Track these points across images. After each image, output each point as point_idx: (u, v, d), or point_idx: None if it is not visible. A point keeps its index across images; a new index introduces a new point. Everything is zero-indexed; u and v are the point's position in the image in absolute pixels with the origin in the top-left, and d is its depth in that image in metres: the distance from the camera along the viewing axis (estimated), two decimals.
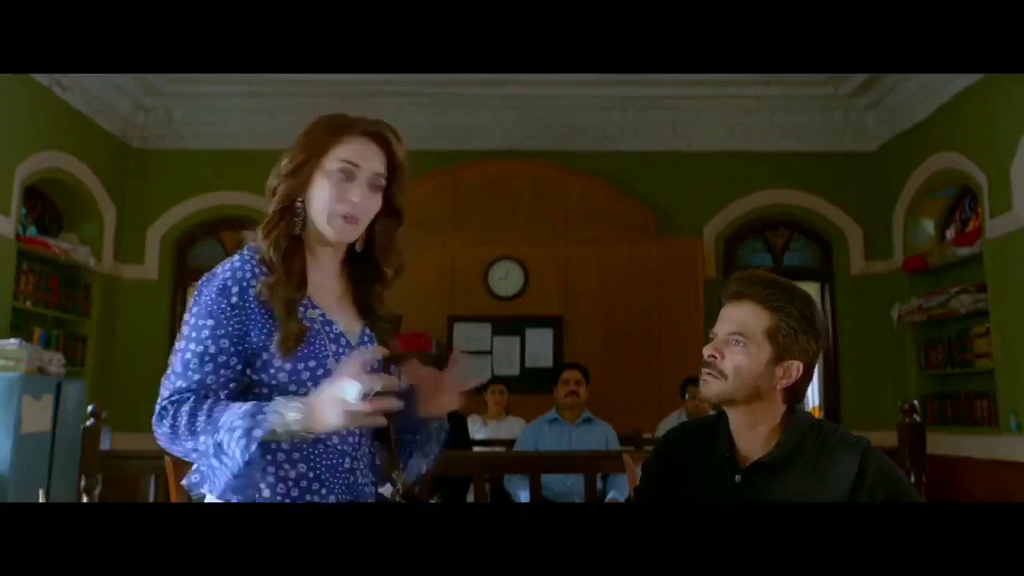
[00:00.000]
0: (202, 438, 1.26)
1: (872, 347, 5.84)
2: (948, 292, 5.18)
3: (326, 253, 1.46)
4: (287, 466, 1.35)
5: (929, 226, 5.72)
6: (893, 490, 1.49)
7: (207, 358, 1.32)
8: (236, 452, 1.22)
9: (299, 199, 1.42)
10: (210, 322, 1.34)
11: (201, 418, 1.27)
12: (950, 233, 5.55)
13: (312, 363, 1.37)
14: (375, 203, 1.44)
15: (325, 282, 1.47)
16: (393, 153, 1.46)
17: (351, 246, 1.48)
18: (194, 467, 1.33)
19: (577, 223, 5.70)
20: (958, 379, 5.27)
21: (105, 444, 3.11)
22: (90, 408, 3.12)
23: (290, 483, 1.34)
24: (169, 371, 1.34)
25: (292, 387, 1.35)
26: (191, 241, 6.10)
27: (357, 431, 1.41)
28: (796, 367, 1.56)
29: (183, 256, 6.08)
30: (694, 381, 3.01)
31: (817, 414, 6.49)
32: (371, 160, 1.43)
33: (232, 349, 1.34)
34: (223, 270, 1.39)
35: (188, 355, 1.33)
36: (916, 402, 3.31)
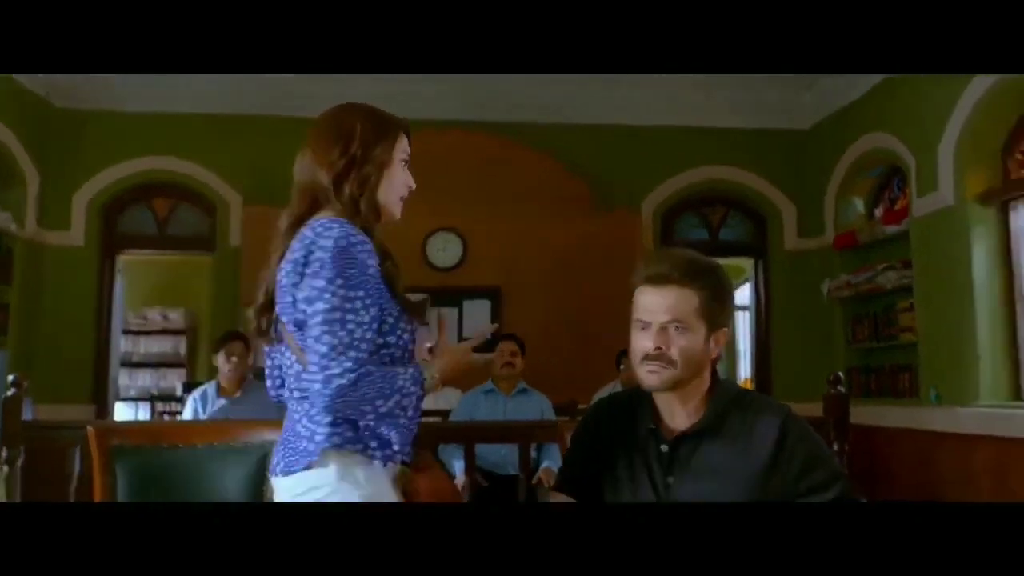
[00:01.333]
0: (379, 400, 1.48)
1: (803, 321, 5.99)
2: (875, 268, 5.33)
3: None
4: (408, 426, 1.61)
5: (859, 204, 5.86)
6: (811, 453, 1.56)
7: (366, 328, 1.49)
8: (412, 410, 1.57)
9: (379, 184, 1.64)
10: (360, 293, 1.49)
11: (378, 384, 1.48)
12: (879, 211, 5.70)
13: (414, 325, 1.64)
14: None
15: None
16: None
17: None
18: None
19: (517, 195, 5.69)
20: (883, 352, 5.45)
21: (27, 415, 3.02)
22: (11, 378, 3.02)
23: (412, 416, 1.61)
24: (328, 341, 1.46)
25: (412, 346, 1.62)
26: (120, 207, 5.89)
27: None
28: (724, 335, 1.61)
29: (111, 223, 5.88)
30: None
31: (749, 386, 6.65)
32: (407, 146, 1.74)
33: (377, 317, 1.53)
34: (355, 241, 1.51)
35: (352, 327, 1.47)
36: (841, 374, 3.41)
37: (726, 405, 1.61)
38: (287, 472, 1.55)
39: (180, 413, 4.74)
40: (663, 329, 1.57)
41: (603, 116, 5.91)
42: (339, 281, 1.47)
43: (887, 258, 5.30)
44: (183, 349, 8.23)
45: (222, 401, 4.17)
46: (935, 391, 4.72)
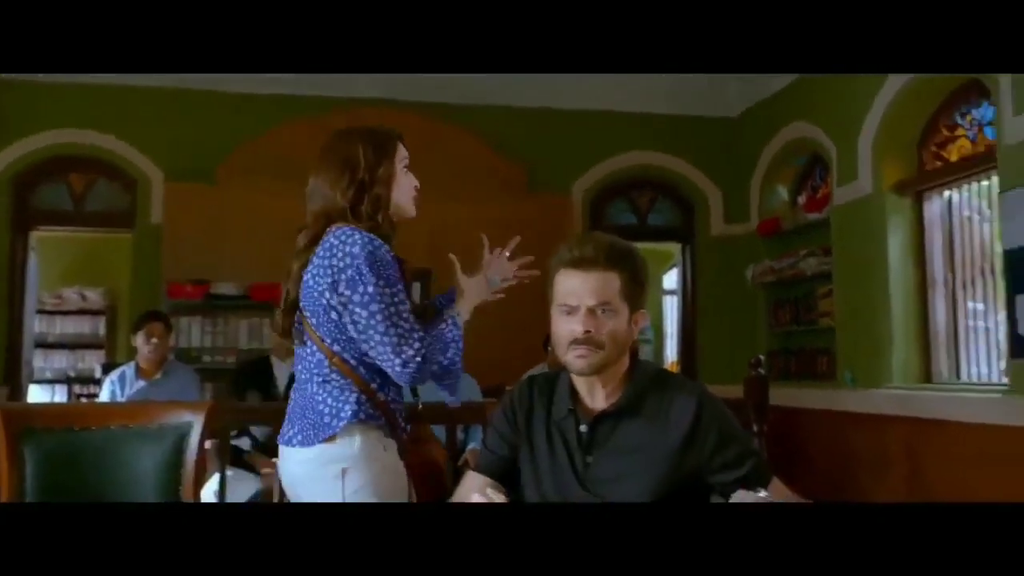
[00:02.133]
0: (440, 356, 1.83)
1: (728, 305, 6.11)
2: (797, 255, 5.48)
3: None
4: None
5: (783, 192, 6.00)
6: (724, 431, 1.60)
7: (407, 312, 1.78)
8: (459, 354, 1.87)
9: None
10: (399, 287, 1.79)
11: (437, 344, 1.83)
12: (802, 199, 5.85)
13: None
14: None
15: None
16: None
17: None
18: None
19: (447, 176, 5.63)
20: (802, 336, 5.61)
21: None
22: None
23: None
24: (395, 332, 1.75)
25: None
26: (33, 182, 5.62)
27: None
28: (643, 316, 1.63)
29: (24, 198, 5.62)
30: None
31: (675, 369, 6.77)
32: (406, 156, 1.98)
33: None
34: (378, 245, 1.80)
35: (405, 314, 1.77)
36: (762, 357, 3.50)
37: (644, 385, 1.63)
38: (306, 444, 1.82)
39: (98, 396, 4.60)
40: (591, 312, 1.57)
41: (535, 99, 5.90)
42: (381, 283, 1.76)
43: (808, 245, 5.44)
44: (102, 330, 7.97)
45: (141, 383, 4.06)
46: (850, 374, 4.88)
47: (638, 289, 1.62)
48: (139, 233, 5.65)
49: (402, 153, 1.96)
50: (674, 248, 6.73)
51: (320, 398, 1.84)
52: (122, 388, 4.05)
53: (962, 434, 3.96)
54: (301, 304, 1.89)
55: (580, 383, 1.64)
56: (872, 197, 4.76)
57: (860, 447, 4.76)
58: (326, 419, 1.81)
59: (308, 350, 1.89)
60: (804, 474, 5.07)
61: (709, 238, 6.27)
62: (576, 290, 1.58)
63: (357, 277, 1.75)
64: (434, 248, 5.62)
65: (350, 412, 1.80)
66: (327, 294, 1.80)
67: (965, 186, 4.44)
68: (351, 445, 1.79)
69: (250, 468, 3.89)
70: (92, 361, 7.70)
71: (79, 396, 6.90)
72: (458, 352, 1.86)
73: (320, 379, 1.85)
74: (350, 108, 5.42)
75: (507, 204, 5.64)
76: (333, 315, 1.82)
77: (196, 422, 2.03)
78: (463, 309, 1.96)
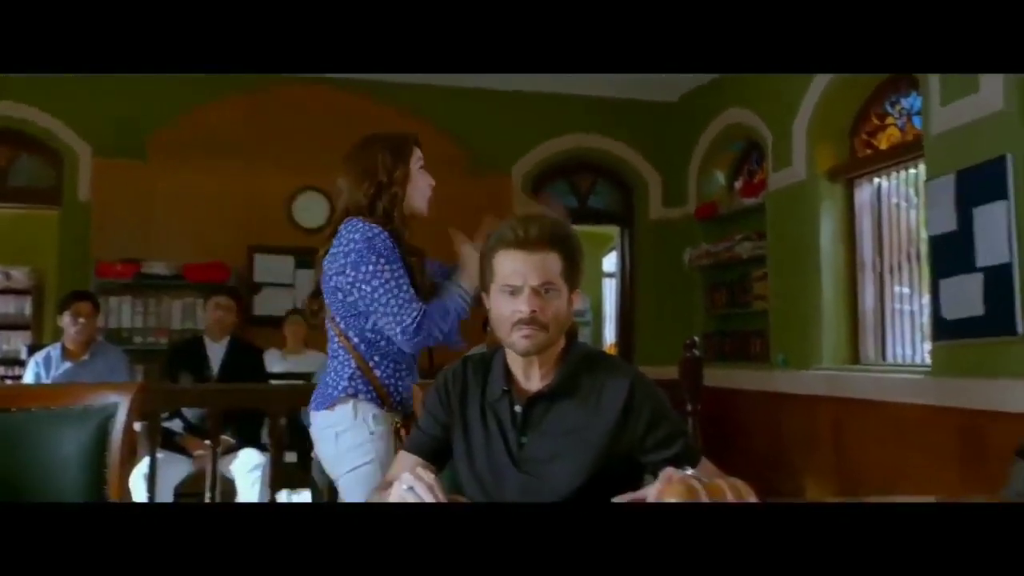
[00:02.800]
0: (442, 324, 2.05)
1: (665, 288, 6.19)
2: (733, 239, 5.57)
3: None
4: (406, 379, 2.17)
5: (720, 177, 6.09)
6: (656, 411, 1.61)
7: (407, 285, 2.02)
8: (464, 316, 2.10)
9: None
10: (396, 264, 2.02)
11: (437, 313, 2.04)
12: (738, 184, 5.94)
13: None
14: None
15: None
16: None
17: None
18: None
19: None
20: (737, 319, 5.72)
21: None
22: None
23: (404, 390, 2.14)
24: (395, 303, 2.00)
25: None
26: None
27: None
28: (579, 295, 1.64)
29: None
30: None
31: (613, 351, 6.84)
32: (422, 158, 2.23)
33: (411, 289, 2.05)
34: (376, 232, 2.04)
35: (404, 287, 2.02)
36: (697, 339, 3.56)
37: (578, 366, 1.64)
38: (316, 408, 2.14)
39: (23, 378, 4.45)
40: (536, 293, 1.56)
41: (476, 80, 5.87)
42: (381, 261, 1.99)
43: (744, 229, 5.54)
44: (28, 310, 7.71)
45: (67, 365, 3.94)
46: (782, 355, 4.99)
47: (576, 269, 1.62)
48: (66, 210, 5.47)
49: (417, 155, 2.20)
50: (613, 231, 6.79)
51: (330, 370, 2.15)
52: (47, 370, 3.93)
53: (887, 413, 4.09)
54: (321, 288, 2.14)
55: (516, 364, 1.64)
56: (805, 183, 4.87)
57: (791, 426, 4.89)
58: (329, 389, 2.11)
59: (328, 329, 2.18)
60: (737, 452, 5.18)
61: (648, 221, 6.33)
62: (520, 270, 1.56)
63: (359, 259, 2.00)
64: None
65: (345, 384, 2.08)
66: (336, 278, 2.06)
67: (894, 174, 4.56)
68: (344, 412, 2.08)
69: (182, 451, 3.82)
70: (18, 342, 7.44)
71: (3, 378, 6.68)
72: (457, 319, 2.07)
73: (331, 354, 2.16)
74: (285, 84, 5.31)
75: (447, 184, 5.54)
76: (340, 296, 2.08)
77: (122, 403, 1.97)
78: (464, 279, 2.12)
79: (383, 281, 2.00)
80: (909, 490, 3.78)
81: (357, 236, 2.02)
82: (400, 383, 2.14)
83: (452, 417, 1.66)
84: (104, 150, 5.35)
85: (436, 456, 1.66)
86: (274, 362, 4.74)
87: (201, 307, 4.06)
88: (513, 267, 1.57)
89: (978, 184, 3.55)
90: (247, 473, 3.75)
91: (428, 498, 1.35)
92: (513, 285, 1.57)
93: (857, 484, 4.30)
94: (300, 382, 4.28)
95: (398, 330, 2.00)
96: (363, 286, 2.02)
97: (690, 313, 6.02)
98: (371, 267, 2.00)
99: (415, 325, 2.00)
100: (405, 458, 1.66)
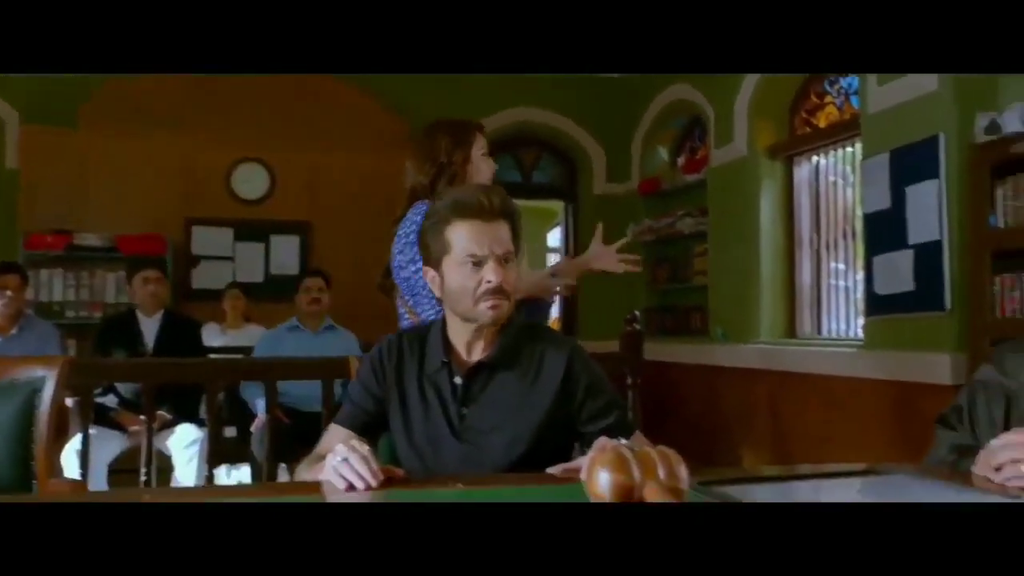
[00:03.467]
0: None
1: None
2: (675, 215, 5.63)
3: None
4: None
5: (663, 152, 6.13)
6: (593, 382, 1.64)
7: None
8: None
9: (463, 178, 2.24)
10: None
11: None
12: (681, 160, 5.99)
13: None
14: None
15: None
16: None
17: None
18: None
19: (328, 128, 5.50)
20: (678, 294, 5.79)
21: None
22: None
23: None
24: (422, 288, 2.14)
25: None
26: None
27: None
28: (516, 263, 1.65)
29: None
30: None
31: (556, 326, 6.87)
32: (486, 144, 2.34)
33: None
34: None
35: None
36: (637, 313, 3.59)
37: (517, 337, 1.65)
38: None
39: None
40: (499, 262, 1.56)
41: None
42: (413, 248, 2.08)
43: (686, 205, 5.60)
44: None
45: None
46: (721, 330, 5.08)
47: (520, 239, 1.64)
48: None
49: (480, 143, 2.30)
50: (557, 206, 6.80)
51: None
52: None
53: (821, 385, 4.20)
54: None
55: (459, 336, 1.64)
56: (746, 160, 4.93)
57: (729, 398, 4.99)
58: None
59: (399, 307, 2.39)
60: (677, 424, 5.28)
61: (592, 196, 6.35)
62: (484, 240, 1.56)
63: (415, 240, 2.04)
64: (313, 200, 5.52)
65: None
66: (398, 256, 2.26)
67: (831, 152, 4.65)
68: None
69: (116, 426, 3.74)
70: None
71: None
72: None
73: (401, 325, 2.34)
74: None
75: (390, 158, 5.54)
76: (402, 274, 2.26)
77: (49, 377, 1.92)
78: (552, 274, 2.34)
79: (412, 267, 2.13)
80: (841, 458, 3.89)
81: (418, 218, 2.09)
82: None
83: (387, 390, 1.65)
84: (33, 116, 5.16)
85: (368, 429, 1.65)
86: (213, 337, 4.66)
87: (139, 280, 3.94)
88: (477, 238, 1.56)
89: (911, 163, 3.63)
90: (184, 449, 3.69)
91: (362, 469, 1.34)
92: (476, 255, 1.56)
93: (792, 453, 4.41)
94: (239, 356, 4.21)
95: (432, 314, 2.11)
96: (411, 266, 2.17)
97: (632, 288, 6.07)
98: (416, 249, 2.05)
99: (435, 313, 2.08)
100: (336, 431, 1.64)
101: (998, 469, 1.38)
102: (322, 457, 1.46)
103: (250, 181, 5.42)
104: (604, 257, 2.43)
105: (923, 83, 3.59)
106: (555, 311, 8.09)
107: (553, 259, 8.75)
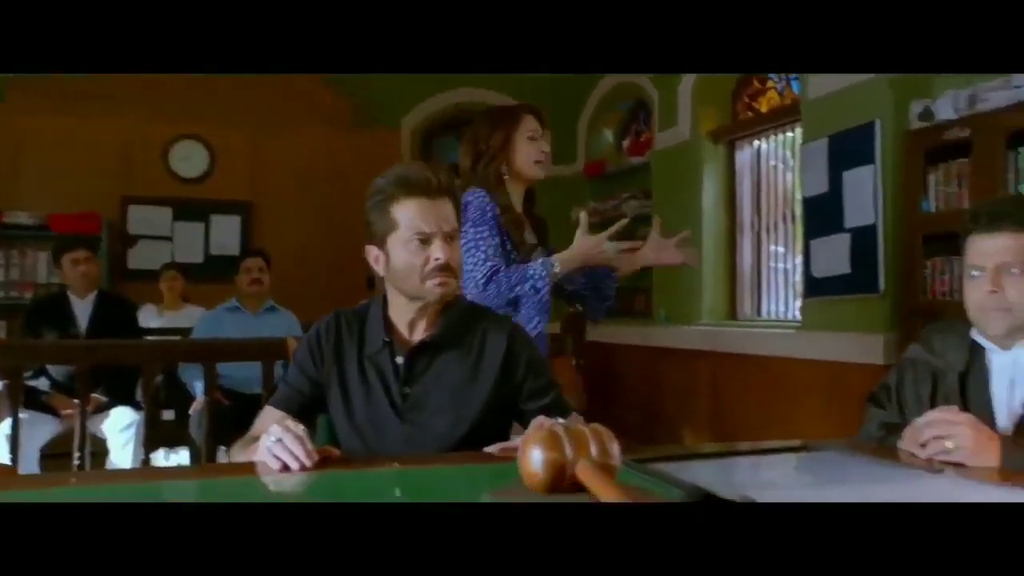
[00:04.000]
0: (516, 287, 2.12)
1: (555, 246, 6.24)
2: (620, 197, 5.66)
3: (517, 194, 2.29)
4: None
5: (609, 135, 6.15)
6: (532, 362, 1.66)
7: (493, 249, 2.13)
8: (544, 292, 2.13)
9: (503, 162, 2.24)
10: (483, 229, 2.14)
11: (512, 277, 2.13)
12: (626, 143, 6.02)
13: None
14: (548, 147, 2.31)
15: (519, 206, 2.30)
16: (539, 116, 2.30)
17: (532, 189, 2.34)
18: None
19: (271, 106, 5.39)
20: (622, 276, 5.82)
21: None
22: None
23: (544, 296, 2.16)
24: (471, 261, 2.11)
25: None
26: None
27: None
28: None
29: None
30: None
31: None
32: (539, 126, 2.28)
33: (498, 244, 2.15)
34: (472, 199, 2.15)
35: (483, 247, 2.13)
36: None
37: (459, 317, 1.65)
38: None
39: None
40: (447, 239, 1.56)
41: None
42: (467, 224, 2.11)
43: (631, 188, 5.63)
44: None
45: None
46: (664, 312, 5.14)
47: (460, 219, 1.64)
48: None
49: (528, 125, 2.26)
50: None
51: None
52: None
53: (760, 365, 4.28)
54: None
55: (401, 315, 1.62)
56: (690, 143, 4.98)
57: (671, 379, 5.06)
58: None
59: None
60: (619, 404, 5.34)
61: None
62: (431, 218, 1.54)
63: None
64: (255, 178, 5.42)
65: None
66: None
67: (772, 136, 4.72)
68: None
69: (49, 410, 3.63)
70: None
71: None
72: (534, 289, 2.12)
73: None
74: None
75: (334, 136, 5.48)
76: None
77: None
78: (560, 259, 2.17)
79: (465, 241, 2.11)
80: (779, 436, 3.98)
81: (462, 202, 2.14)
82: (530, 303, 2.21)
83: (325, 372, 1.64)
84: None
85: (304, 411, 1.63)
86: (150, 318, 4.55)
87: (68, 261, 3.82)
88: (424, 215, 1.55)
89: (848, 149, 3.71)
90: (119, 432, 3.61)
91: (296, 449, 1.33)
92: (425, 232, 1.55)
93: (732, 431, 4.50)
94: (177, 338, 4.13)
95: (470, 285, 2.12)
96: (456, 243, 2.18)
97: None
98: (466, 226, 2.13)
99: (484, 279, 2.10)
100: (271, 413, 1.61)
101: (923, 445, 1.43)
102: (256, 439, 1.44)
103: (189, 159, 5.29)
104: (664, 251, 2.45)
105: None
106: None
107: None
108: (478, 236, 2.14)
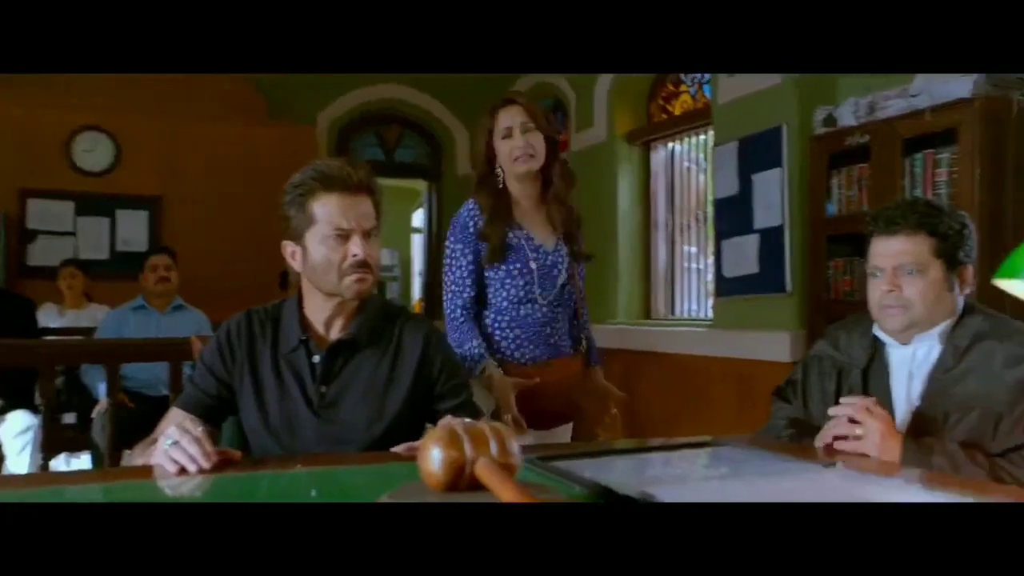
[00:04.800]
0: (455, 346, 2.05)
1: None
2: None
3: (522, 187, 2.19)
4: (507, 331, 2.17)
5: None
6: (447, 361, 1.67)
7: (464, 272, 2.14)
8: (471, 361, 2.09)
9: (497, 164, 2.17)
10: (456, 245, 2.15)
11: (455, 334, 2.13)
12: None
13: (518, 265, 2.16)
14: (537, 141, 2.14)
15: (528, 209, 2.21)
16: (528, 107, 2.15)
17: (548, 176, 2.22)
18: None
19: (179, 96, 5.23)
20: None
21: None
22: None
23: (509, 342, 2.17)
24: (446, 284, 2.16)
25: (508, 281, 2.16)
26: None
27: (552, 308, 2.24)
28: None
29: None
30: None
31: (419, 308, 6.85)
32: (516, 116, 2.14)
33: (473, 263, 2.15)
34: (461, 213, 2.15)
35: (455, 269, 2.15)
36: None
37: (377, 315, 1.64)
38: None
39: None
40: (366, 236, 1.54)
41: None
42: (448, 240, 2.17)
43: None
44: None
45: None
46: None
47: (381, 215, 1.62)
48: None
49: (501, 123, 2.14)
50: (421, 185, 6.75)
51: None
52: None
53: (674, 363, 4.37)
54: None
55: (318, 314, 1.60)
56: (605, 144, 5.04)
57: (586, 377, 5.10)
58: None
59: None
60: None
61: (455, 176, 6.34)
62: (349, 214, 1.53)
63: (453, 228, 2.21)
64: (164, 172, 5.25)
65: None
66: None
67: (686, 139, 4.82)
68: None
69: None
70: None
71: None
72: (464, 361, 2.04)
73: None
74: None
75: (248, 130, 5.35)
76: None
77: None
78: (491, 374, 2.07)
79: (444, 258, 2.19)
80: (691, 432, 4.07)
81: (461, 212, 2.18)
82: (517, 350, 2.18)
83: (237, 373, 1.60)
84: None
85: (211, 413, 1.59)
86: (51, 317, 4.37)
87: None
88: (343, 211, 1.53)
89: (757, 152, 3.82)
90: (14, 437, 3.47)
91: (193, 451, 1.29)
92: (344, 229, 1.53)
93: (646, 429, 4.57)
94: (79, 338, 3.97)
95: (447, 310, 2.17)
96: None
97: None
98: (447, 244, 2.19)
99: (452, 321, 2.15)
100: (176, 416, 1.57)
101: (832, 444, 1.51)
102: (155, 441, 1.40)
103: (93, 151, 5.10)
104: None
105: (769, 76, 3.76)
106: (417, 292, 8.04)
107: (417, 239, 8.70)
108: (452, 254, 2.16)
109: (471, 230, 2.14)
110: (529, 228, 2.21)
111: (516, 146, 2.14)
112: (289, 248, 1.60)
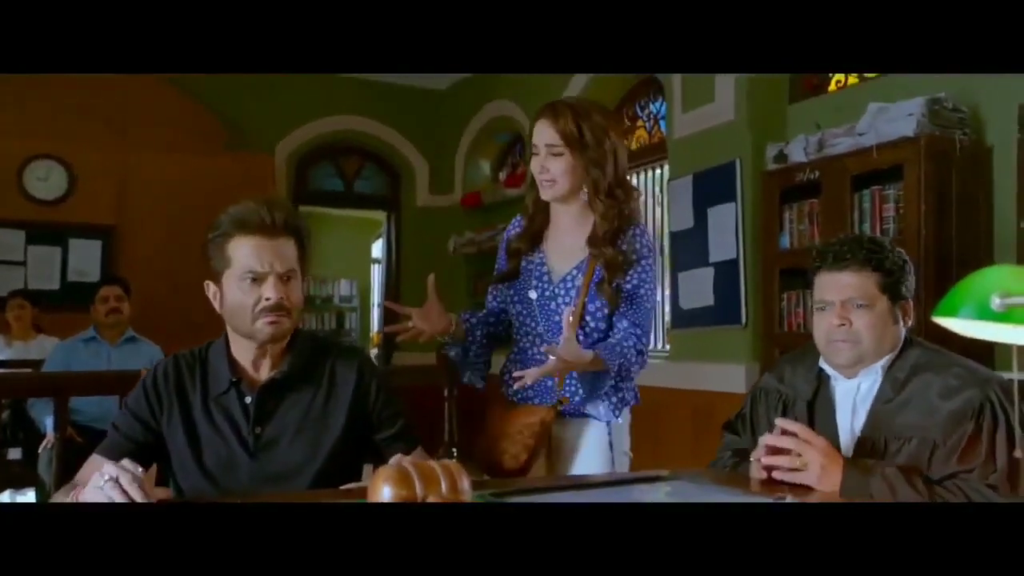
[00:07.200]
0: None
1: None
2: (497, 228, 5.71)
3: (558, 210, 1.99)
4: (509, 365, 2.18)
5: (486, 167, 6.23)
6: (381, 389, 1.67)
7: (495, 290, 2.14)
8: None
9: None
10: (497, 264, 2.12)
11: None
12: (503, 175, 6.11)
13: (519, 288, 2.03)
14: (559, 165, 1.89)
15: (559, 232, 2.01)
16: (561, 125, 1.88)
17: (597, 199, 1.90)
18: None
19: (137, 125, 5.18)
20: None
21: None
22: None
23: (507, 375, 2.14)
24: None
25: (511, 307, 2.07)
26: None
27: None
28: (307, 281, 1.64)
29: None
30: None
31: (378, 340, 6.82)
32: (542, 133, 1.91)
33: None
34: (506, 233, 2.12)
35: (494, 282, 2.13)
36: None
37: (307, 351, 1.63)
38: None
39: None
40: (280, 279, 1.53)
41: None
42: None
43: (508, 219, 5.57)
44: None
45: None
46: None
47: (307, 255, 1.62)
48: None
49: (534, 138, 1.95)
50: (380, 216, 6.75)
51: None
52: None
53: None
54: None
55: (245, 354, 1.59)
56: None
57: None
58: None
59: None
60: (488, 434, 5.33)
61: (414, 208, 6.36)
62: (265, 257, 1.52)
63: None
64: (119, 201, 5.18)
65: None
66: None
67: (642, 173, 4.89)
68: None
69: None
70: None
71: None
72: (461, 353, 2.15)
73: None
74: None
75: (204, 160, 5.30)
76: None
77: None
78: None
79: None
80: (648, 464, 4.07)
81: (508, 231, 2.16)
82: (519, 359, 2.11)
83: (164, 419, 1.57)
84: None
85: (133, 459, 1.55)
86: None
87: None
88: (257, 254, 1.53)
89: (712, 186, 3.89)
90: None
91: (132, 491, 1.24)
92: (257, 272, 1.52)
93: None
94: (27, 371, 3.88)
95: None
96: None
97: (455, 300, 6.11)
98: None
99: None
100: (97, 463, 1.50)
101: (771, 457, 1.55)
102: (76, 485, 1.37)
103: (46, 180, 5.01)
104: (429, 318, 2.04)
105: (722, 112, 3.85)
106: (376, 324, 8.00)
107: (376, 269, 8.67)
108: (496, 268, 2.15)
109: (504, 244, 2.12)
110: (549, 252, 2.00)
111: (534, 169, 1.94)
112: (211, 288, 1.61)
